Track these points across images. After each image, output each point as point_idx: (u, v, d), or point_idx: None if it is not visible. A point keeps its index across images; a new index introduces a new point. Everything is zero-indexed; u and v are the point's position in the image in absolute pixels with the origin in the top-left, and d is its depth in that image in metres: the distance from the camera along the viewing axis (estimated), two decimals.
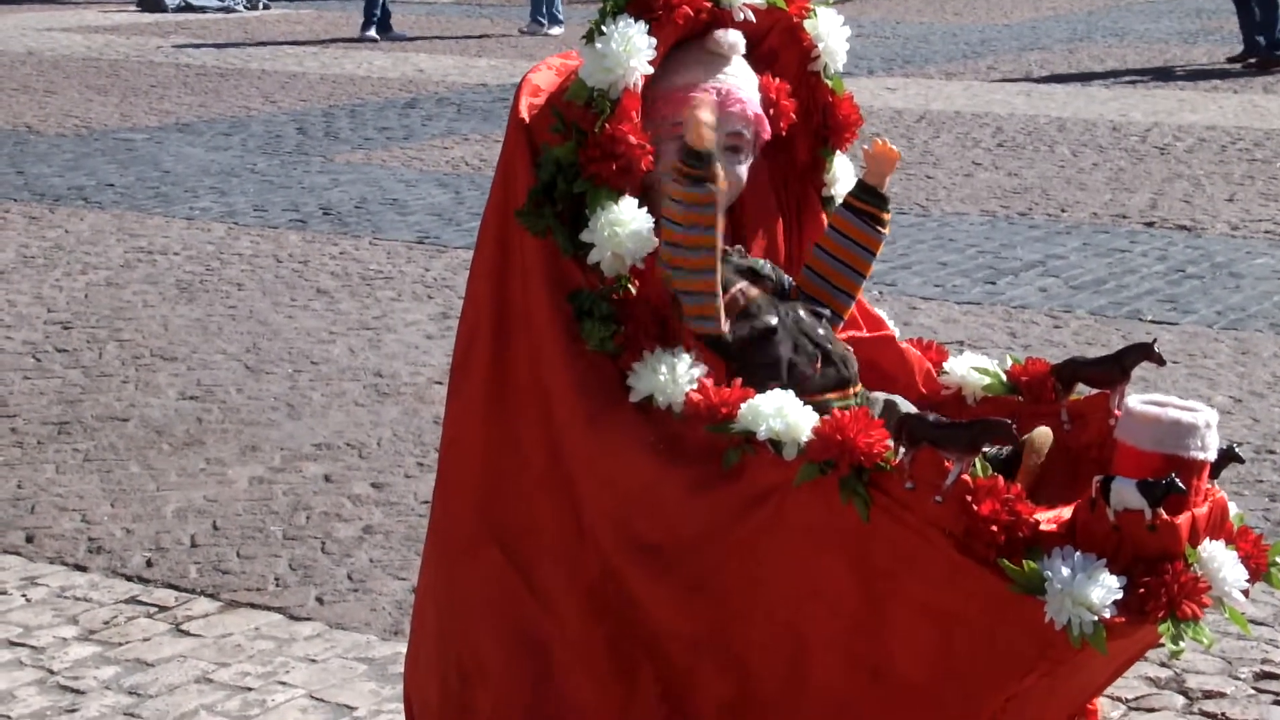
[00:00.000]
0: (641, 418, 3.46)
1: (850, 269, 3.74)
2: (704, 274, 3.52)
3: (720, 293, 3.54)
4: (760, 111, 3.68)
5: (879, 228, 3.74)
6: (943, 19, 21.37)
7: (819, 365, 3.57)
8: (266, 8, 22.57)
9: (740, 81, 3.67)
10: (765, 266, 3.71)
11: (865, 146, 3.75)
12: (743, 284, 3.61)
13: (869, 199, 3.74)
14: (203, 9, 22.31)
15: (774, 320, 3.58)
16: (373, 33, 19.20)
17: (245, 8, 22.46)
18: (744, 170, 3.67)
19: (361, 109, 14.32)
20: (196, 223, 10.05)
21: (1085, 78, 15.95)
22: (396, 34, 19.44)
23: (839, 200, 3.92)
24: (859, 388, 3.63)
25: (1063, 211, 10.29)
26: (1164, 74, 16.08)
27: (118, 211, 10.34)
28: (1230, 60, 16.74)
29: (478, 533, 3.66)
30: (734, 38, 3.67)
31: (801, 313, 3.64)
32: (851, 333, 3.82)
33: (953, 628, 3.26)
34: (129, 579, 5.18)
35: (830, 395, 3.52)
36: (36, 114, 13.96)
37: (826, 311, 3.70)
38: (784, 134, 3.78)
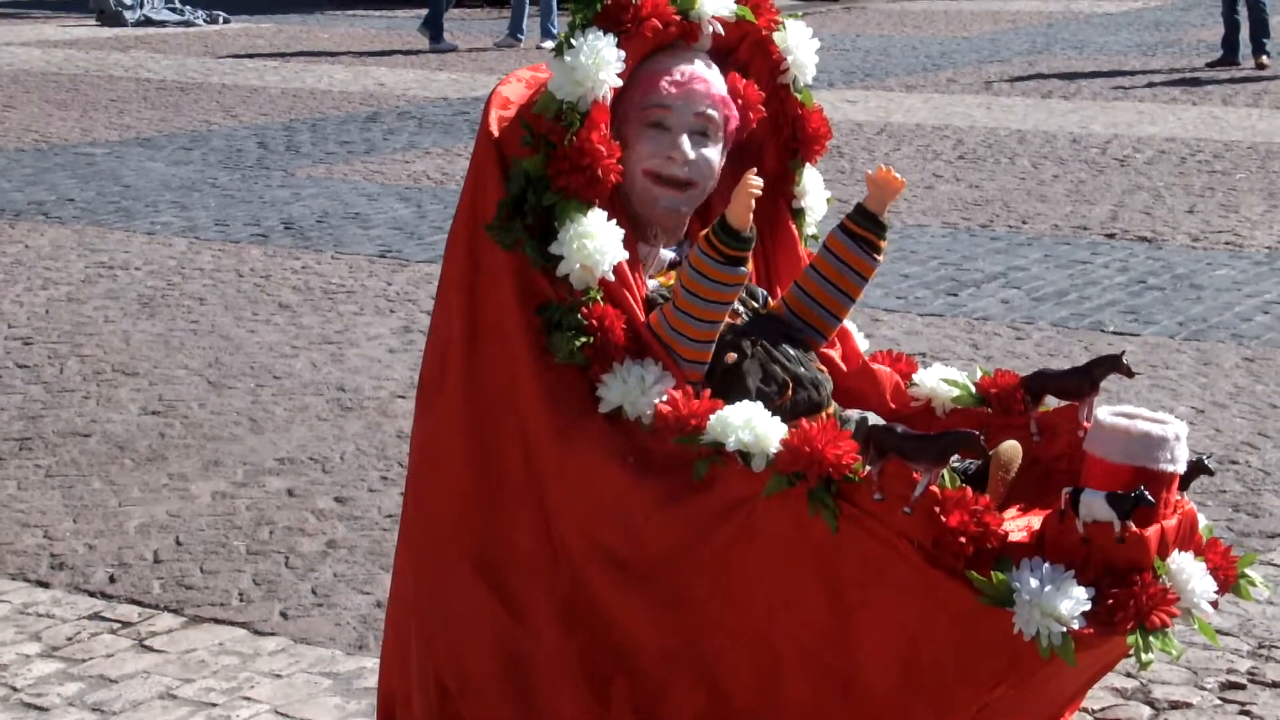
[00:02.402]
0: (611, 429, 3.46)
1: (841, 292, 3.74)
2: (703, 345, 3.54)
3: (709, 359, 3.55)
4: (726, 96, 3.68)
5: (874, 254, 3.75)
6: (902, 32, 21.44)
7: (790, 392, 3.58)
8: (226, 22, 22.52)
9: (703, 69, 3.68)
10: None
11: (869, 171, 3.75)
12: None
13: (867, 224, 3.74)
14: (162, 24, 22.24)
15: (735, 355, 3.59)
16: (441, 39, 19.29)
17: (205, 22, 22.40)
18: (714, 154, 3.67)
19: (322, 123, 14.29)
20: (157, 237, 10.01)
21: (1045, 90, 16.00)
22: (446, 45, 19.45)
23: (809, 212, 3.93)
24: (832, 408, 3.63)
25: (1024, 223, 10.31)
26: (1123, 86, 16.15)
27: (78, 226, 10.29)
28: (1210, 65, 17.04)
29: (454, 548, 3.65)
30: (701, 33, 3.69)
31: (773, 338, 3.64)
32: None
33: (921, 639, 3.26)
34: (92, 595, 5.14)
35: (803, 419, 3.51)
36: None
37: (802, 335, 3.71)
38: (754, 127, 3.79)
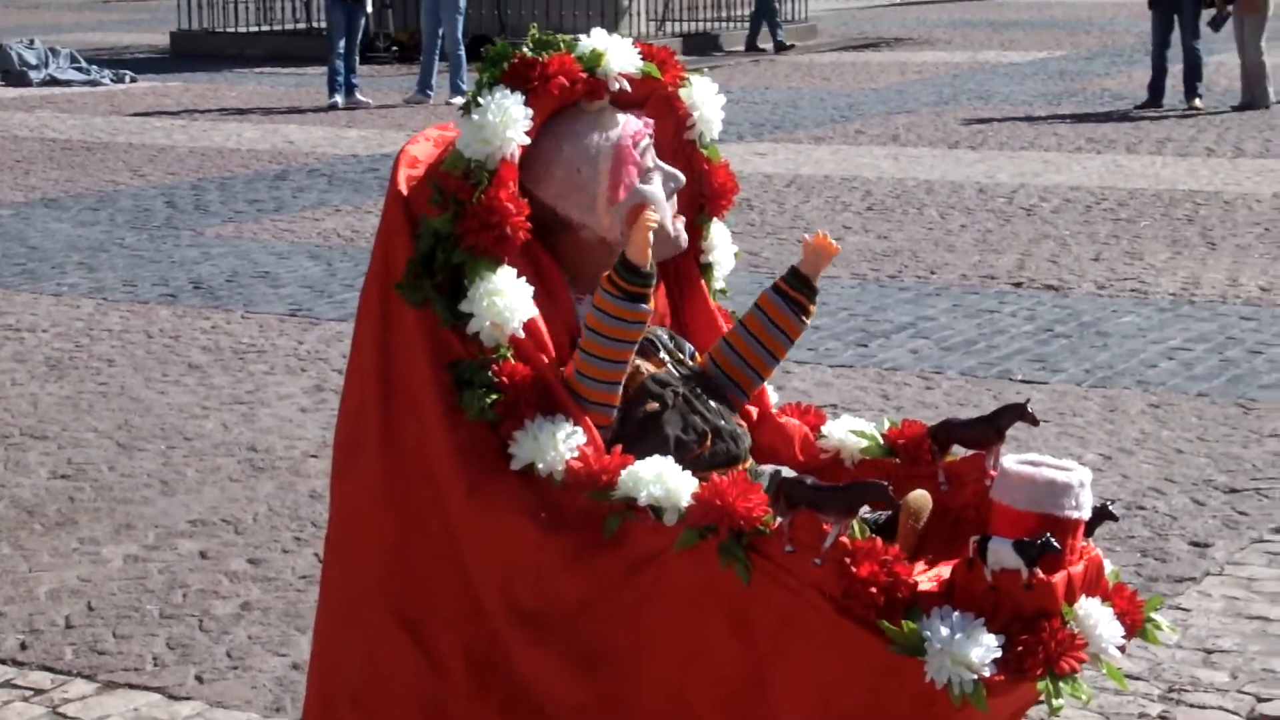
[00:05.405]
0: (522, 486, 3.47)
1: (767, 351, 3.77)
2: (607, 386, 3.55)
3: (617, 403, 3.57)
4: (649, 119, 3.73)
5: (803, 316, 3.78)
6: (811, 84, 21.57)
7: (709, 443, 3.60)
8: (133, 81, 22.43)
9: (625, 126, 3.69)
10: (663, 335, 3.74)
11: (805, 236, 3.79)
12: (636, 362, 3.63)
13: (800, 287, 3.78)
14: (68, 83, 22.13)
15: (656, 405, 3.61)
16: (339, 98, 19.19)
17: (111, 81, 22.31)
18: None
19: (231, 181, 14.25)
20: (65, 299, 9.95)
21: (951, 140, 16.15)
22: (360, 101, 19.40)
23: (717, 267, 3.96)
24: (749, 463, 3.66)
25: (932, 273, 10.40)
26: (1029, 136, 16.31)
27: None
28: (1138, 107, 17.80)
29: (379, 606, 3.65)
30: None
31: (696, 388, 3.67)
32: None
33: (835, 689, 3.28)
34: (3, 662, 5.10)
35: (718, 472, 3.53)
36: None
37: (726, 391, 3.73)
38: None
